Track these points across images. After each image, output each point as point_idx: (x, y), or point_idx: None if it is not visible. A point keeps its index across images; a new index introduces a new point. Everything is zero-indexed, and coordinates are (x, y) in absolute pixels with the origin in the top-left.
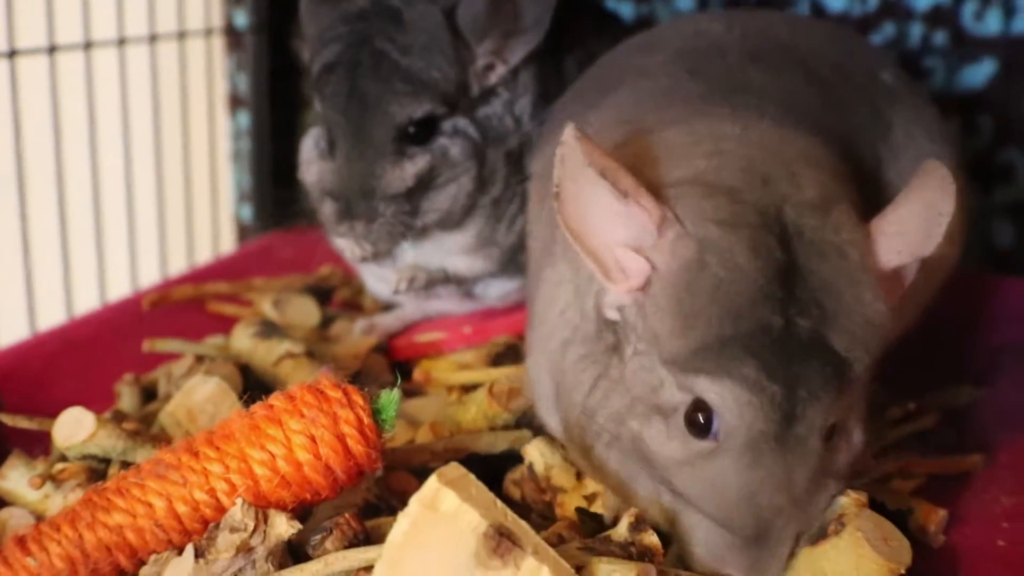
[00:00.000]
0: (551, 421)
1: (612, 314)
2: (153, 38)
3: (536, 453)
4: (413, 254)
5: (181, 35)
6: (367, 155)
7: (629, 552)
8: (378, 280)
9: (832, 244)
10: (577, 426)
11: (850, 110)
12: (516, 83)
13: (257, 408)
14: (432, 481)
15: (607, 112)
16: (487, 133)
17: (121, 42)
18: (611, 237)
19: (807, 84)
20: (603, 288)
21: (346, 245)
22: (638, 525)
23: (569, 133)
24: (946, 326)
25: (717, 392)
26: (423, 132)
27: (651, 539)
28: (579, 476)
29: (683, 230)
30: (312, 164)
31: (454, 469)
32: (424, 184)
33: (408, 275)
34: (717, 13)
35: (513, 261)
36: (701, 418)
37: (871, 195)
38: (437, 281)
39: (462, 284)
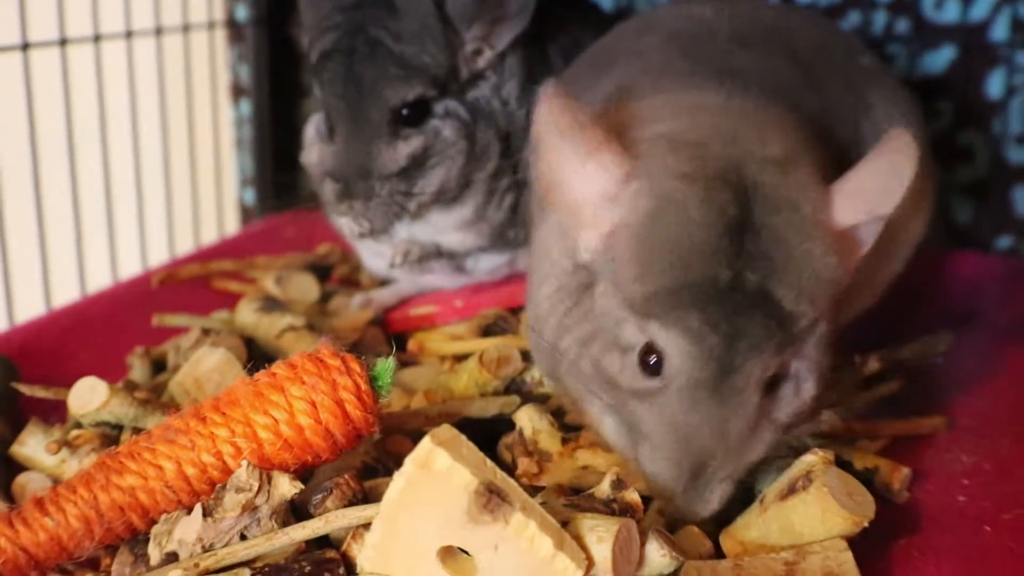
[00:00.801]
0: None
1: (585, 256)
2: (159, 31)
3: (525, 418)
4: (408, 231)
5: (185, 28)
6: (364, 137)
7: (612, 509)
8: (374, 256)
9: (787, 199)
10: (547, 351)
11: (831, 90)
12: (503, 67)
13: (261, 376)
14: (426, 442)
15: (600, 88)
16: (477, 114)
17: (129, 35)
18: (581, 187)
19: (791, 66)
20: (576, 234)
21: (345, 223)
22: (619, 483)
23: (548, 88)
24: (910, 297)
25: (664, 338)
26: (416, 114)
27: (632, 496)
28: (564, 441)
29: (645, 183)
30: (313, 147)
31: (446, 431)
32: (418, 163)
33: (403, 248)
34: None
35: (502, 236)
36: (652, 359)
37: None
38: (430, 255)
39: (453, 258)
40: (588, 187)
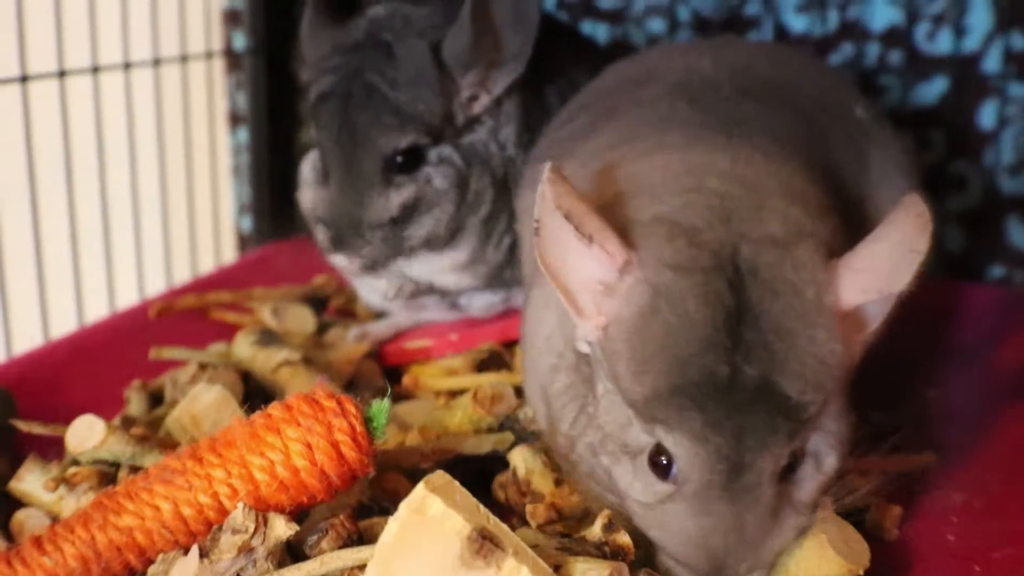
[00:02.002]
0: (550, 440)
1: (583, 347)
2: (157, 61)
3: (519, 459)
4: (404, 269)
5: (183, 58)
6: (357, 185)
7: (603, 551)
8: (371, 291)
9: (788, 282)
10: (561, 454)
11: (834, 145)
12: (500, 112)
13: (257, 417)
14: (420, 488)
15: (600, 140)
16: (472, 160)
17: (127, 66)
18: (580, 275)
19: (796, 119)
20: (575, 321)
21: (339, 260)
22: (611, 526)
23: (547, 173)
24: (901, 328)
25: (670, 442)
26: (410, 161)
27: (623, 539)
28: (558, 483)
29: (640, 275)
30: (308, 190)
31: (440, 477)
32: (408, 211)
33: (396, 284)
34: (702, 47)
35: (499, 277)
36: (663, 460)
37: (856, 229)
38: (423, 291)
39: (447, 296)
40: (586, 275)
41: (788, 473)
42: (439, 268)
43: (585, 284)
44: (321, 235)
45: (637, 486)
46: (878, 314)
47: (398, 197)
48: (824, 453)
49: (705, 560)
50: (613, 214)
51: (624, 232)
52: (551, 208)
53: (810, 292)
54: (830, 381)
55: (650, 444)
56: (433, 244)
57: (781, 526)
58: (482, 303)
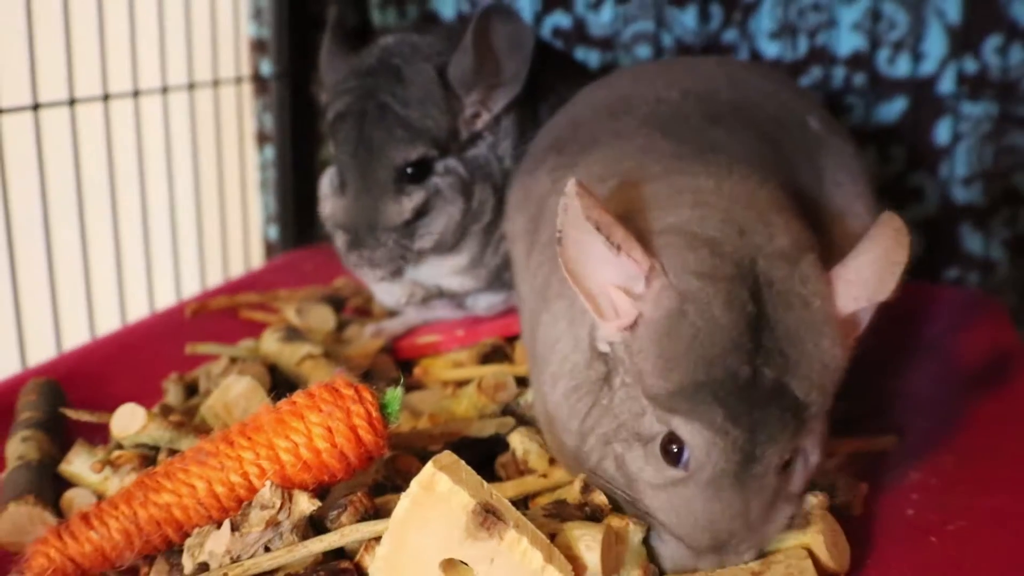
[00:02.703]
0: (552, 443)
1: (603, 347)
2: (192, 86)
3: (517, 440)
4: (414, 274)
5: (215, 83)
6: (372, 193)
7: (584, 512)
8: (384, 292)
9: (798, 295)
10: (568, 452)
11: (795, 164)
12: (499, 128)
13: (282, 404)
14: (429, 467)
15: (587, 169)
16: (475, 171)
17: (164, 90)
18: (605, 280)
19: (760, 142)
20: (596, 323)
21: (355, 264)
22: (587, 488)
23: (571, 187)
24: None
25: (688, 431)
26: (419, 172)
27: (600, 498)
28: (552, 461)
29: (667, 281)
30: (327, 200)
31: (447, 456)
32: (420, 216)
33: (408, 290)
34: (667, 74)
35: (499, 279)
36: (675, 448)
37: (819, 239)
38: (432, 295)
39: (454, 298)
40: (608, 281)
41: (783, 469)
42: (444, 271)
43: (605, 289)
44: (340, 240)
45: (648, 470)
46: (865, 320)
47: (410, 203)
48: (810, 452)
49: (709, 539)
50: (628, 225)
51: (641, 239)
52: (576, 219)
53: (816, 303)
54: (831, 384)
55: (662, 432)
56: (440, 248)
57: (778, 513)
58: (486, 303)
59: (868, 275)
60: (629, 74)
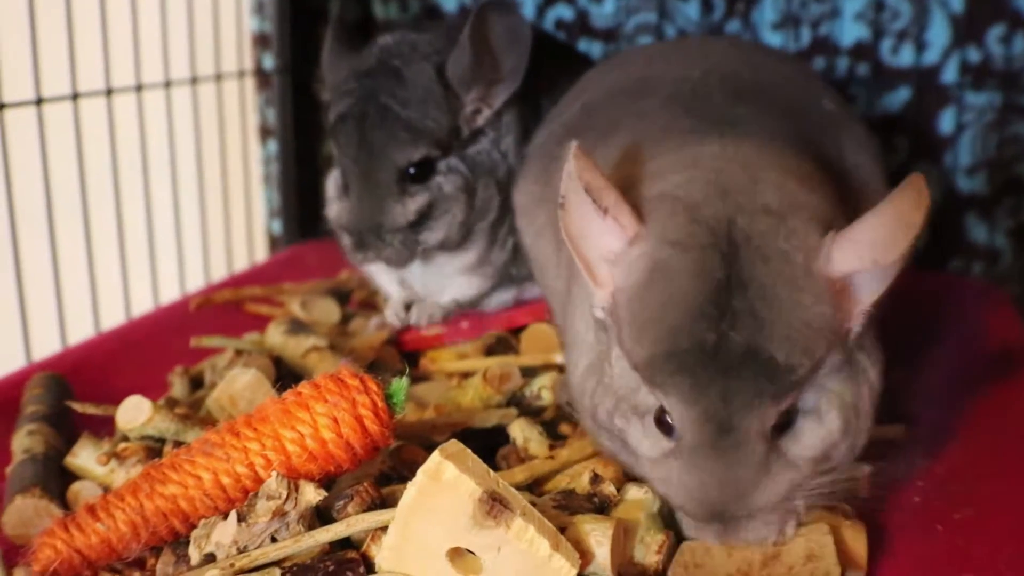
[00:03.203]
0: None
1: (599, 313)
2: (194, 80)
3: (518, 429)
4: (421, 272)
5: (218, 77)
6: (375, 195)
7: (592, 503)
8: (389, 282)
9: (777, 249)
10: (588, 428)
11: (818, 141)
12: (500, 124)
13: (288, 395)
14: (435, 455)
15: (606, 151)
16: (477, 169)
17: (167, 84)
18: (597, 245)
19: (783, 118)
20: (592, 290)
21: (365, 264)
22: (596, 478)
23: (572, 150)
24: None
25: (668, 402)
26: (422, 172)
27: (609, 489)
28: (551, 447)
29: (644, 248)
30: (332, 203)
31: (453, 445)
32: (424, 216)
33: (428, 312)
34: (685, 55)
35: (507, 275)
36: (668, 419)
37: (851, 214)
38: (451, 313)
39: (474, 307)
40: (602, 245)
41: (783, 430)
42: (451, 271)
43: (601, 254)
44: (346, 241)
45: (646, 443)
46: (874, 286)
47: (414, 204)
48: (825, 411)
49: (701, 510)
50: (627, 193)
51: (637, 208)
52: (575, 182)
53: (799, 258)
54: (819, 344)
55: (656, 405)
56: (446, 246)
57: (774, 479)
58: (497, 301)
59: (878, 235)
60: (640, 56)
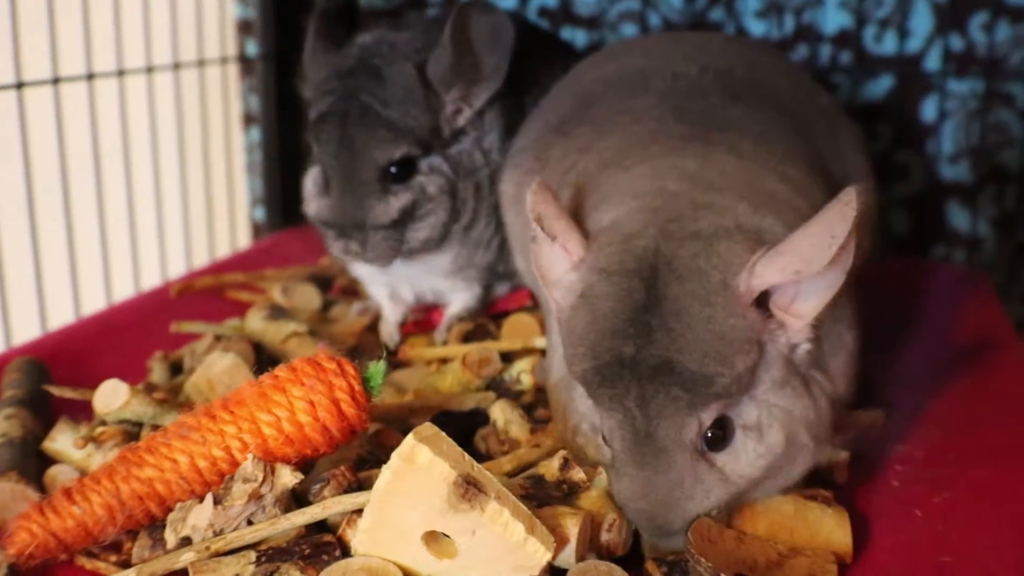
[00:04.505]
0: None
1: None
2: (177, 66)
3: (498, 411)
4: (405, 271)
5: (201, 63)
6: (357, 193)
7: (562, 489)
8: (370, 278)
9: (696, 269)
10: (559, 422)
11: (816, 135)
12: (482, 122)
13: (265, 378)
14: (409, 439)
15: (600, 156)
16: (459, 168)
17: (149, 70)
18: (554, 272)
19: (779, 115)
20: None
21: (347, 258)
22: (566, 464)
23: (532, 187)
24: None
25: (598, 415)
26: (404, 171)
27: (579, 475)
28: (532, 431)
29: (577, 276)
30: (312, 200)
31: (428, 428)
32: (407, 216)
33: (402, 310)
34: (682, 49)
35: (493, 273)
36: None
37: None
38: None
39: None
40: (555, 271)
41: (719, 444)
42: (431, 271)
43: (551, 280)
44: (328, 237)
45: (600, 456)
46: (813, 300)
47: (397, 203)
48: (766, 426)
49: (635, 517)
50: (587, 220)
51: (588, 233)
52: (534, 214)
53: (715, 275)
54: (735, 355)
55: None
56: (428, 247)
57: (706, 491)
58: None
59: (802, 246)
60: (638, 47)
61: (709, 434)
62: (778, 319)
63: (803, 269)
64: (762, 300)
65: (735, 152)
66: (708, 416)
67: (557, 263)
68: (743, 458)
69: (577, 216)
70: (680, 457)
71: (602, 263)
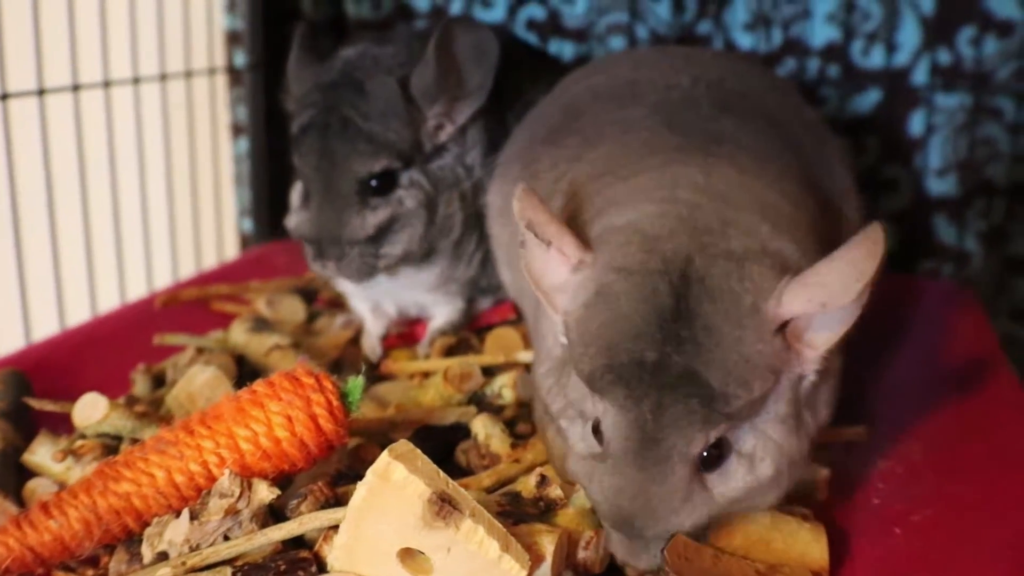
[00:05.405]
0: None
1: (562, 338)
2: (164, 77)
3: (480, 425)
4: (388, 285)
5: (188, 74)
6: (336, 206)
7: (538, 506)
8: (358, 299)
9: (729, 291)
10: (538, 420)
11: (805, 149)
12: (465, 138)
13: (243, 393)
14: (384, 456)
15: (591, 166)
16: (439, 184)
17: (136, 81)
18: (547, 277)
19: (770, 128)
20: (554, 318)
21: (326, 274)
22: (543, 481)
23: (517, 192)
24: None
25: (600, 409)
26: (384, 185)
27: (556, 492)
28: (513, 446)
29: (589, 274)
30: (294, 214)
31: (403, 445)
32: (384, 230)
33: (384, 323)
34: (672, 61)
35: (476, 287)
36: (601, 427)
37: (834, 222)
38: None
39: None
40: (551, 276)
41: (713, 464)
42: (414, 285)
43: (550, 284)
44: (306, 251)
45: (581, 444)
46: (828, 332)
47: (374, 218)
48: (759, 458)
49: (613, 514)
50: (586, 228)
51: (590, 241)
52: (522, 220)
53: (748, 299)
54: (756, 380)
55: (596, 413)
56: (408, 261)
57: (692, 508)
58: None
59: (830, 279)
60: (627, 60)
61: (706, 453)
62: (795, 349)
63: (829, 302)
64: (780, 329)
65: (736, 166)
66: (715, 435)
67: (552, 268)
68: (731, 483)
69: (573, 223)
70: (680, 470)
71: (619, 262)
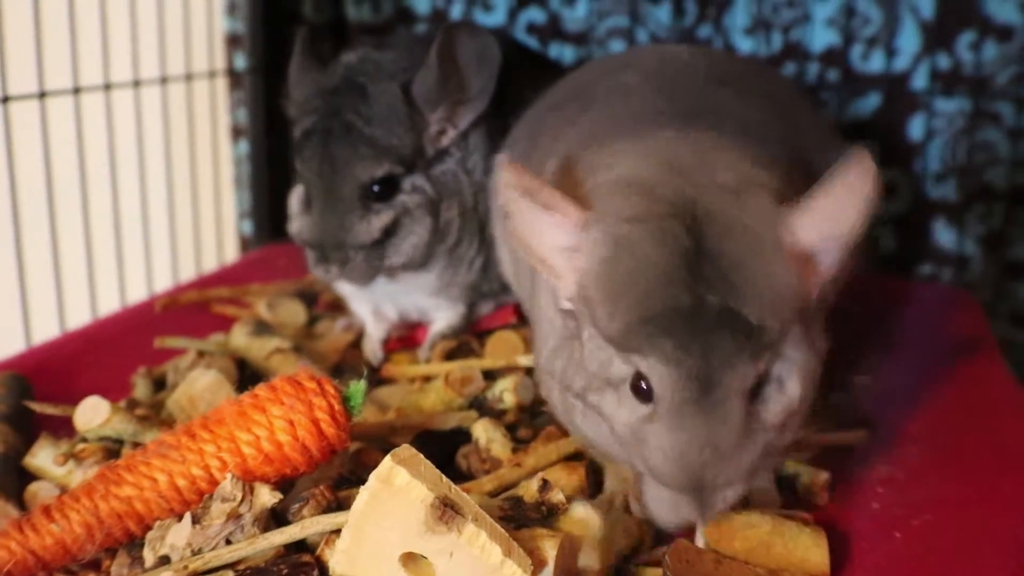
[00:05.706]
0: (551, 403)
1: (566, 305)
2: (164, 80)
3: (481, 430)
4: (388, 288)
5: (188, 77)
6: (338, 211)
7: (540, 511)
8: (359, 301)
9: (741, 224)
10: (559, 406)
11: (805, 130)
12: (467, 143)
13: (244, 397)
14: (387, 460)
15: (582, 128)
16: (441, 189)
17: (136, 84)
18: (545, 242)
19: (769, 104)
20: (556, 285)
21: (328, 278)
22: (545, 485)
23: (501, 162)
24: (842, 319)
25: (647, 366)
26: (386, 190)
27: (558, 497)
28: (514, 450)
29: (600, 229)
30: (295, 219)
31: (405, 450)
32: (389, 235)
33: (385, 328)
34: (674, 47)
35: (477, 292)
36: (644, 385)
37: None
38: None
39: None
40: (551, 241)
41: (754, 396)
42: (414, 289)
43: (550, 249)
44: (308, 256)
45: (622, 412)
46: (832, 258)
47: (378, 222)
48: (785, 378)
49: (682, 473)
50: (573, 190)
51: (583, 199)
52: (509, 189)
53: (764, 232)
54: (787, 310)
55: (630, 373)
56: (409, 266)
57: (752, 442)
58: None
59: (833, 208)
60: (631, 50)
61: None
62: (803, 273)
63: (835, 230)
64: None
65: (717, 129)
66: (762, 366)
67: (553, 231)
68: (771, 407)
69: (562, 185)
70: (740, 407)
71: (627, 212)
